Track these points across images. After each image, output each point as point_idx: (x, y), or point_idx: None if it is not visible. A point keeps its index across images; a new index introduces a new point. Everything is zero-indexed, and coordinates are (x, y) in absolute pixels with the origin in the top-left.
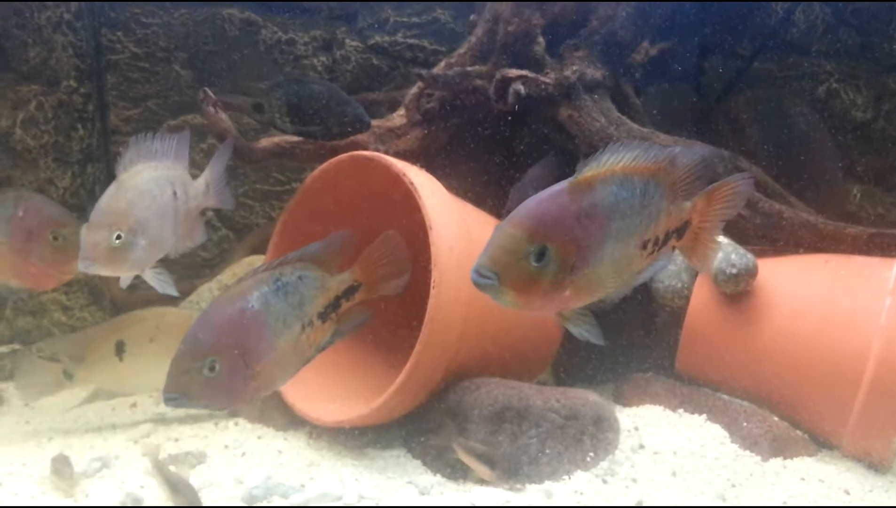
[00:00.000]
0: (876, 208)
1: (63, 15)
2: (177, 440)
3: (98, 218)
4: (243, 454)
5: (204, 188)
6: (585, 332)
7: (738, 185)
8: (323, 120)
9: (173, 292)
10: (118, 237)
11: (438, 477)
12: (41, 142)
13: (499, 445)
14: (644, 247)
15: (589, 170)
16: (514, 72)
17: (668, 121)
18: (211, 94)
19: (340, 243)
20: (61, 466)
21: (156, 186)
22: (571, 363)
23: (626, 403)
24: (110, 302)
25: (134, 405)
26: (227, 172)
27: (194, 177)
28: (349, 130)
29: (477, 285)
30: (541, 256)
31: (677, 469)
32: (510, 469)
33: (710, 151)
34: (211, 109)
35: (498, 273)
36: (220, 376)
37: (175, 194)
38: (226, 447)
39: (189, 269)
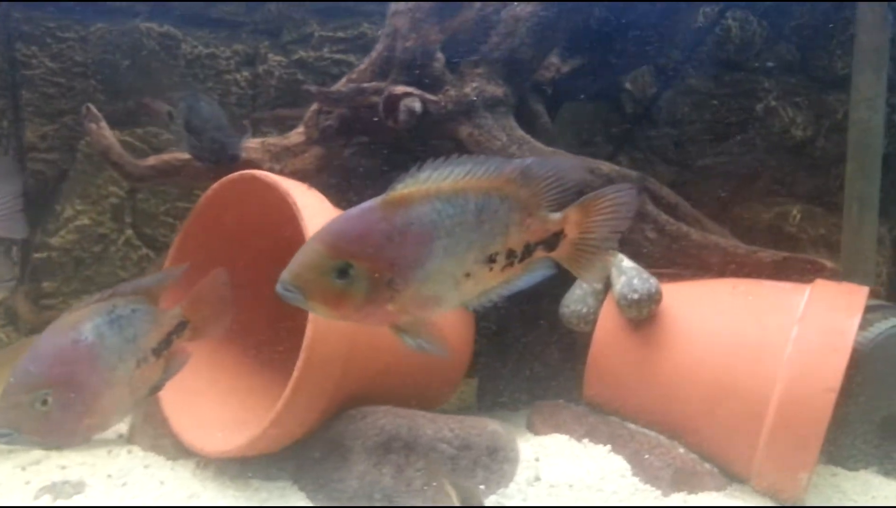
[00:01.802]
0: (818, 229)
1: None
2: (64, 467)
3: None
4: (125, 484)
5: None
6: (424, 345)
7: (618, 197)
8: (199, 142)
9: None
10: None
11: None
12: None
13: (382, 477)
14: (492, 261)
15: (403, 187)
16: (400, 88)
17: (585, 140)
18: (94, 110)
19: (171, 278)
20: None
21: None
22: (491, 390)
23: (536, 432)
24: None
25: None
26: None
27: None
28: (215, 159)
29: (282, 297)
30: (343, 272)
31: (570, 504)
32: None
33: (573, 161)
34: (93, 125)
35: (300, 288)
36: (53, 410)
37: None
38: (109, 476)
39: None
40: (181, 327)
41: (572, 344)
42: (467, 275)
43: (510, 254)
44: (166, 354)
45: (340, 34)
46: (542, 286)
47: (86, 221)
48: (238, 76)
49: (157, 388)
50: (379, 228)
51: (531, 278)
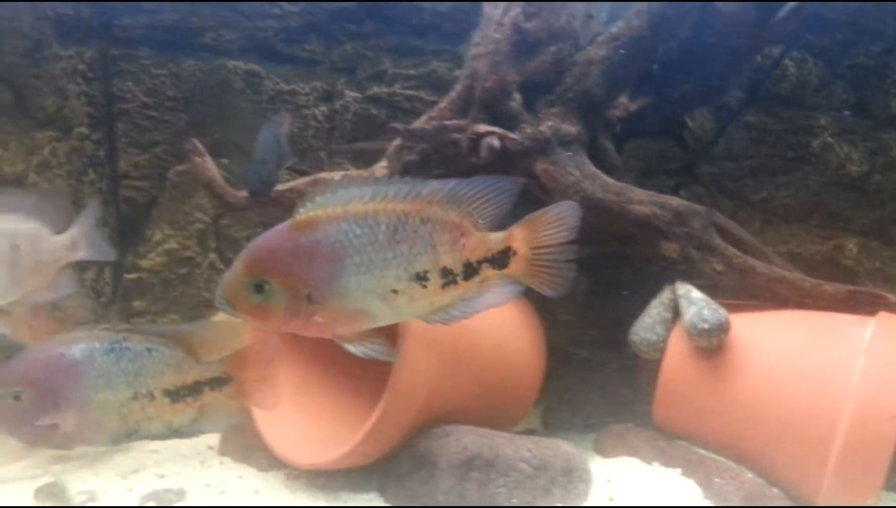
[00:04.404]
0: (873, 262)
1: (77, 66)
2: (162, 476)
3: None
4: (222, 492)
5: (67, 243)
6: (370, 351)
7: (560, 212)
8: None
9: None
10: None
11: None
12: (54, 185)
13: (466, 492)
14: (423, 279)
15: (305, 211)
16: (483, 127)
17: (649, 175)
18: (199, 145)
19: (218, 332)
20: (49, 493)
21: None
22: (560, 412)
23: (605, 454)
24: None
25: None
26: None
27: None
28: (249, 190)
29: (220, 309)
30: (260, 288)
31: None
32: None
33: (499, 180)
34: (197, 158)
35: (228, 301)
36: (26, 407)
37: (17, 246)
38: (207, 485)
39: (192, 310)
40: (219, 381)
41: (632, 371)
42: (395, 291)
43: (446, 273)
44: (192, 401)
45: (412, 71)
46: (609, 314)
47: (173, 245)
48: (316, 111)
49: (184, 433)
50: (286, 247)
51: (495, 296)
